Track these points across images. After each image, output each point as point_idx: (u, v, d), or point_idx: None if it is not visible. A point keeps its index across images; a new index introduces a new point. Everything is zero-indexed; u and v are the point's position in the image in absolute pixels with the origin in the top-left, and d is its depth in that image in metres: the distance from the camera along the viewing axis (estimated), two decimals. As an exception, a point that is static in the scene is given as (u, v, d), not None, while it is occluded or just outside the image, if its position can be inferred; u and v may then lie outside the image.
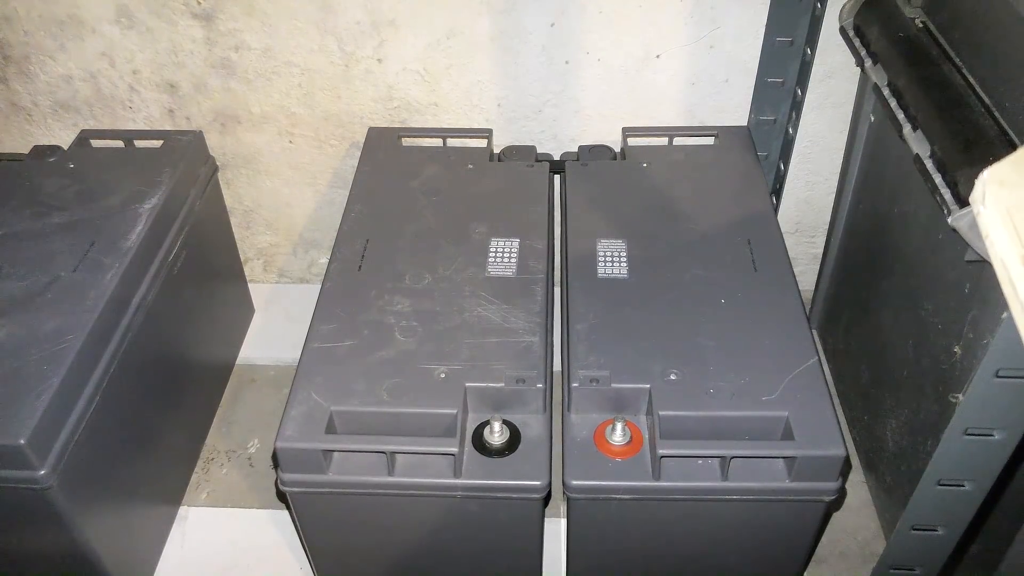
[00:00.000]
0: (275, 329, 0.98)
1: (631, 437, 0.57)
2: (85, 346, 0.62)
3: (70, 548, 0.64)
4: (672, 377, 0.59)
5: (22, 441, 0.56)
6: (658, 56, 0.83)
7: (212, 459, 0.84)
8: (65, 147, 0.83)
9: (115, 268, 0.68)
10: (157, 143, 0.83)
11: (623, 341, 0.62)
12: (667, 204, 0.76)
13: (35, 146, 0.82)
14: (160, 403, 0.76)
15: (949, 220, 0.52)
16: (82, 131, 0.84)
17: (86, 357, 0.63)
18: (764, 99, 0.84)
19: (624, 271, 0.68)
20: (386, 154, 0.83)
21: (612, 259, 0.70)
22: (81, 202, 0.74)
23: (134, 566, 0.72)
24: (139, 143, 0.83)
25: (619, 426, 0.57)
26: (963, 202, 0.52)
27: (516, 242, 0.72)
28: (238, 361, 0.94)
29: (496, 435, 0.57)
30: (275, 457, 0.57)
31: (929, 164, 0.58)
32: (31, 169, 0.79)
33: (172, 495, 0.80)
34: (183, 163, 0.80)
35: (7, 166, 0.80)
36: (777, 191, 0.90)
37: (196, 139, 0.84)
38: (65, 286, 0.66)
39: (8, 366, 0.60)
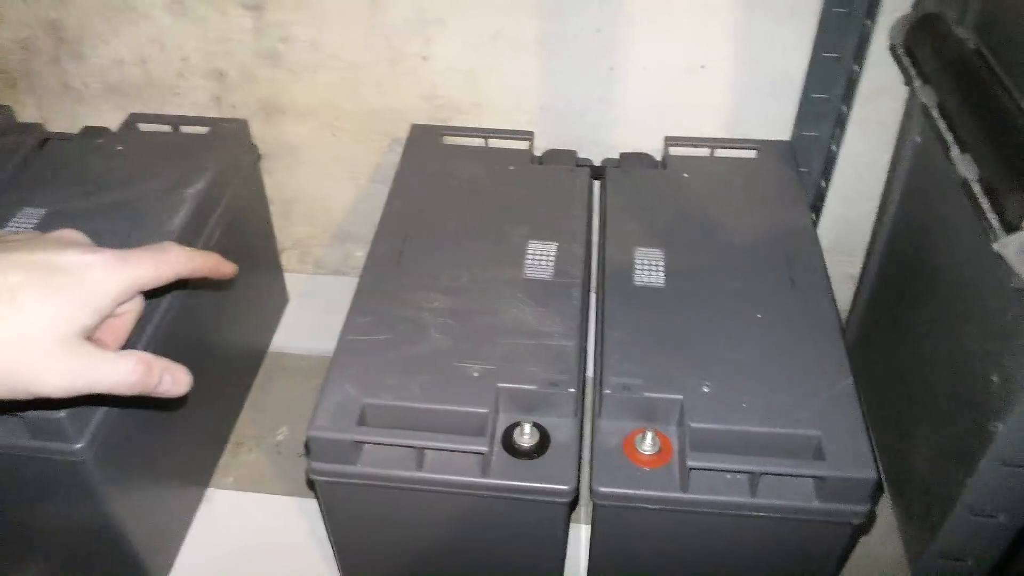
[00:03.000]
0: (308, 319, 0.99)
1: (661, 447, 0.57)
2: (125, 326, 0.63)
3: (100, 521, 0.65)
4: (705, 389, 0.59)
5: (62, 414, 0.57)
6: (703, 67, 0.83)
7: (241, 444, 0.85)
8: (113, 129, 0.84)
9: (157, 251, 0.69)
10: (203, 129, 0.84)
11: (657, 350, 0.62)
12: (706, 215, 0.76)
13: (86, 126, 0.84)
14: (193, 385, 0.76)
15: (995, 246, 0.52)
16: (131, 114, 0.86)
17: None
18: (808, 114, 0.84)
19: (661, 280, 0.68)
20: (428, 151, 0.84)
21: (649, 268, 0.70)
22: (128, 184, 0.75)
23: (161, 543, 0.73)
24: (185, 129, 0.84)
25: (649, 435, 0.57)
26: (1010, 228, 0.51)
27: (554, 246, 0.72)
28: (270, 349, 0.95)
29: (526, 437, 0.58)
30: (307, 446, 0.58)
31: (976, 188, 0.57)
32: (81, 149, 0.80)
33: (200, 476, 0.81)
34: (228, 150, 0.81)
35: (58, 145, 0.81)
36: (817, 208, 0.90)
37: (241, 127, 0.85)
38: (108, 266, 0.67)
39: (50, 341, 0.61)
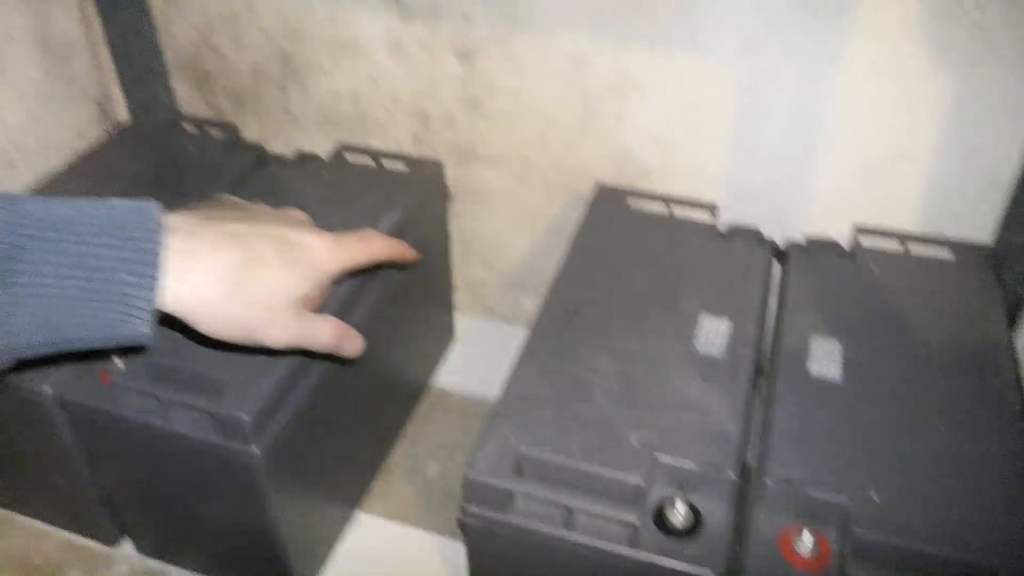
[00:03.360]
0: (471, 361, 1.02)
1: (819, 550, 0.55)
2: (312, 343, 0.67)
3: (261, 522, 0.69)
4: (874, 496, 0.56)
5: (247, 416, 0.62)
6: (905, 157, 0.80)
7: (393, 473, 0.88)
8: (323, 156, 0.90)
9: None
10: (402, 166, 0.89)
11: (826, 447, 0.60)
12: (893, 312, 0.73)
13: (299, 151, 0.91)
14: (359, 410, 0.80)
15: None
16: (340, 144, 0.92)
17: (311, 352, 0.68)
18: (1016, 220, 0.79)
19: (837, 374, 0.66)
20: (611, 212, 0.85)
21: (825, 359, 0.67)
22: (330, 209, 0.81)
23: (311, 554, 0.77)
24: (387, 163, 0.90)
25: (808, 535, 0.55)
26: None
27: (728, 323, 0.71)
28: (432, 384, 0.99)
29: (679, 516, 0.57)
30: (463, 487, 0.59)
31: None
32: (293, 171, 0.87)
33: (352, 498, 0.84)
34: (422, 189, 0.85)
35: (274, 165, 0.88)
36: (1016, 320, 0.84)
37: (437, 168, 0.90)
38: (304, 285, 0.72)
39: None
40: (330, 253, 0.54)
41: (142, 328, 0.45)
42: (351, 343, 0.58)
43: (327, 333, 0.55)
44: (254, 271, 0.49)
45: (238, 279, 0.48)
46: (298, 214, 0.59)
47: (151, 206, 0.46)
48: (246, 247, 0.49)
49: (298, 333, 0.53)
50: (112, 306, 0.44)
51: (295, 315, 0.52)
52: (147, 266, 0.44)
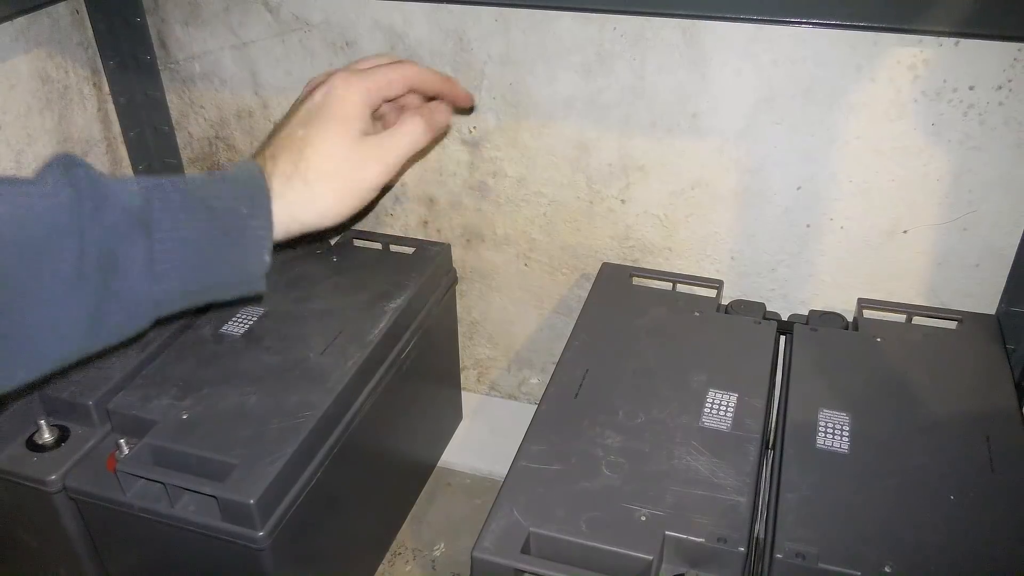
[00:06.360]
0: (478, 439, 1.02)
1: (834, 625, 0.54)
2: (319, 423, 0.68)
3: (267, 610, 0.68)
4: (887, 570, 0.55)
5: (252, 501, 0.61)
6: (905, 232, 0.82)
7: (399, 553, 0.87)
8: (332, 243, 0.92)
9: (356, 357, 0.74)
10: (409, 250, 0.91)
11: (836, 519, 0.59)
12: (899, 384, 0.73)
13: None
14: (366, 490, 0.80)
15: None
16: (349, 230, 0.94)
17: (318, 434, 0.68)
18: (1018, 289, 0.80)
19: (845, 446, 0.66)
20: (616, 290, 0.86)
21: (833, 431, 0.67)
22: (338, 293, 0.82)
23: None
24: (394, 247, 0.91)
25: (822, 610, 0.54)
26: None
27: (734, 397, 0.71)
28: (439, 464, 0.98)
29: (690, 591, 0.56)
30: (471, 566, 0.59)
31: None
32: (302, 257, 0.89)
33: (360, 580, 0.83)
34: (429, 271, 0.87)
35: (283, 252, 0.90)
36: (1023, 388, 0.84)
37: (443, 251, 0.91)
38: (312, 366, 0.73)
39: (252, 429, 0.67)
40: (349, 87, 0.54)
41: (265, 256, 0.50)
42: (440, 115, 0.59)
43: (413, 131, 0.56)
44: (304, 154, 0.52)
45: (298, 169, 0.52)
46: (320, 77, 0.58)
47: (244, 159, 0.52)
48: (288, 143, 0.53)
49: (390, 156, 0.55)
50: (238, 239, 0.49)
51: (369, 148, 0.54)
52: (259, 196, 0.50)
